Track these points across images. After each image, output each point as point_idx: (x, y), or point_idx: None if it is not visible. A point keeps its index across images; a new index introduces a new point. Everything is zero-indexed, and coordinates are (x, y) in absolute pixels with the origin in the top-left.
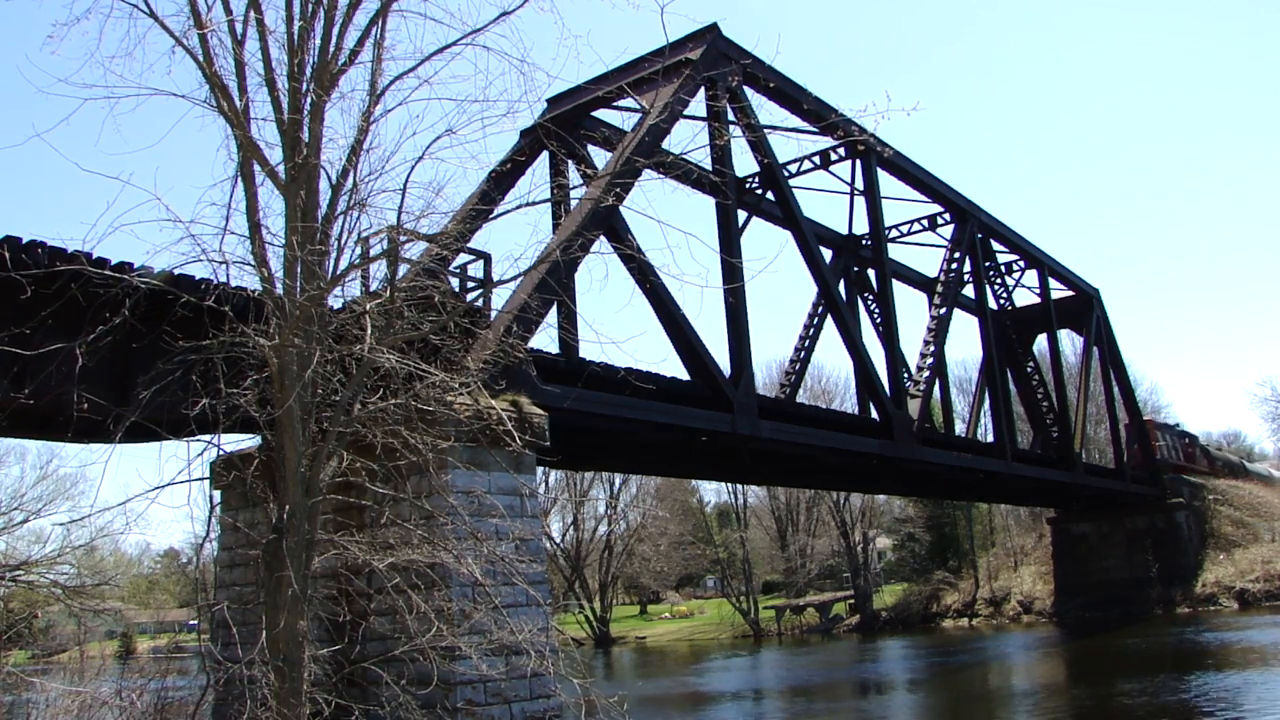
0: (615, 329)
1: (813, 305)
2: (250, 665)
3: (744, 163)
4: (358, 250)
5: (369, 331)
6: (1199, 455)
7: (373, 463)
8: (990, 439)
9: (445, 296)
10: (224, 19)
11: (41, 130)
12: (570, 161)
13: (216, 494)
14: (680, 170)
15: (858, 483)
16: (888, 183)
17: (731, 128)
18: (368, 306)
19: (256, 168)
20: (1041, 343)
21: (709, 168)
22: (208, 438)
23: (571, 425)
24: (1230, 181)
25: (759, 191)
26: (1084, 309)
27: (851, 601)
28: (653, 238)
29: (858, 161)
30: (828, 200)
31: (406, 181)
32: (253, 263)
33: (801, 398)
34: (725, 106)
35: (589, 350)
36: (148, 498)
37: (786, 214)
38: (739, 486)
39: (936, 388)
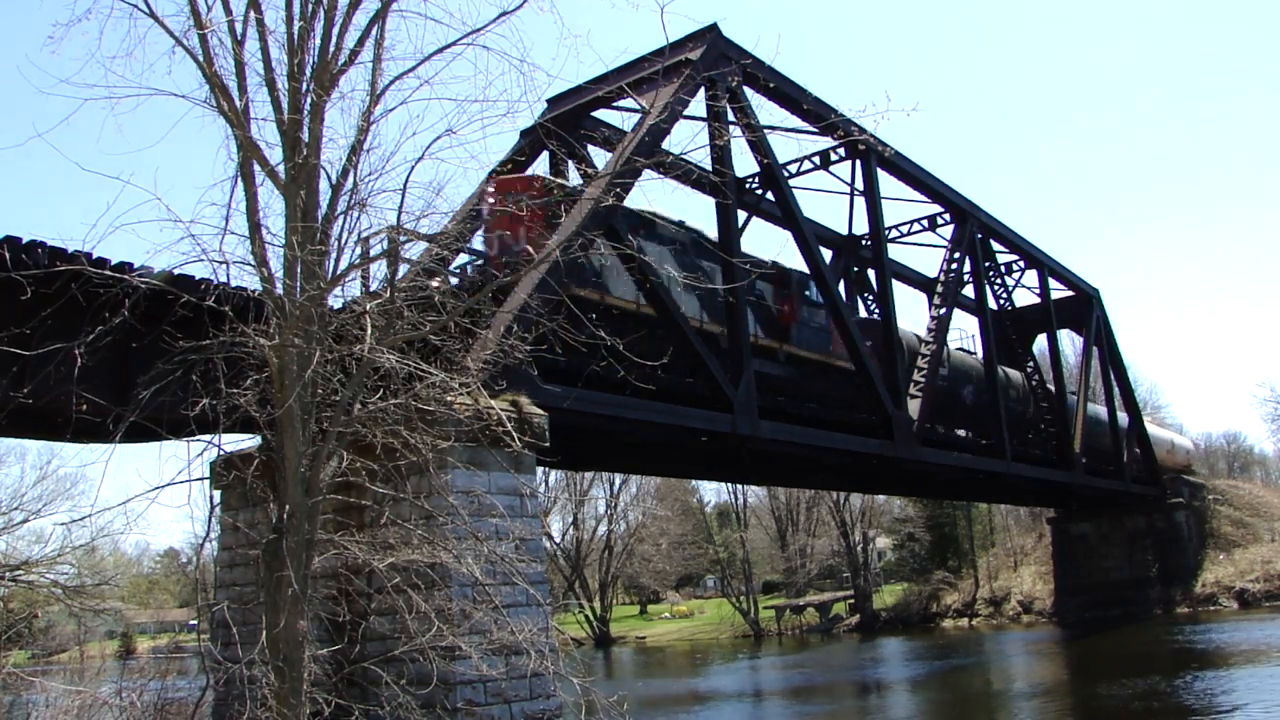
0: None
1: None
2: (250, 665)
3: (744, 163)
4: (358, 250)
5: (369, 331)
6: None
7: (373, 463)
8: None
9: (445, 296)
10: (224, 19)
11: (42, 130)
12: (570, 161)
13: (216, 494)
14: (680, 170)
15: (858, 483)
16: (888, 183)
17: (731, 128)
18: (368, 306)
19: (256, 168)
20: (1041, 343)
21: (709, 168)
22: (208, 438)
23: (571, 425)
24: (1230, 181)
25: (759, 191)
26: (1084, 309)
27: (851, 601)
28: None
29: (858, 161)
30: (828, 200)
31: (406, 181)
32: (253, 263)
33: None
34: (725, 106)
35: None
36: (148, 498)
37: (786, 214)
38: (739, 486)
39: None
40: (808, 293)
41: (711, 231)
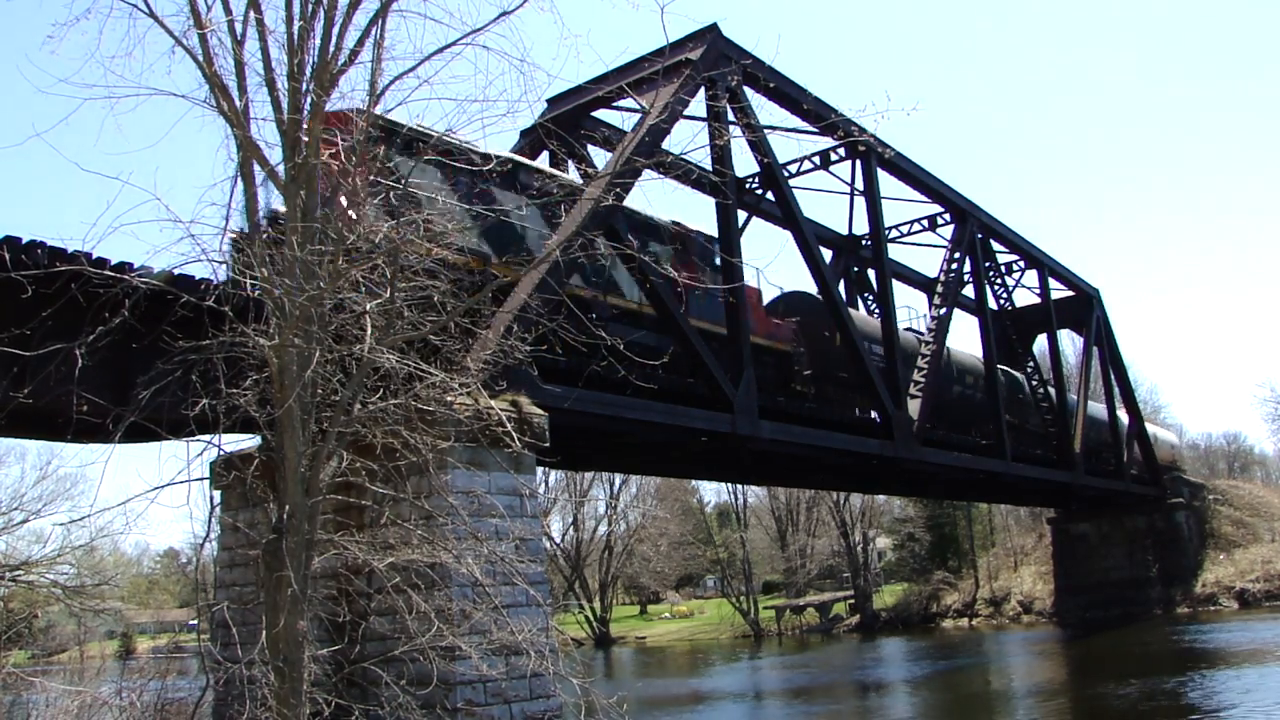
0: None
1: None
2: (250, 665)
3: (744, 163)
4: None
5: (369, 331)
6: None
7: (373, 463)
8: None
9: (445, 296)
10: (224, 19)
11: (41, 130)
12: (570, 161)
13: (216, 494)
14: (680, 170)
15: (858, 483)
16: (888, 183)
17: (731, 128)
18: (368, 306)
19: (256, 168)
20: (1041, 343)
21: (709, 168)
22: (208, 438)
23: (571, 425)
24: (1231, 180)
25: (759, 191)
26: (1084, 309)
27: (851, 601)
28: None
29: (858, 161)
30: (828, 200)
31: (406, 180)
32: (253, 263)
33: None
34: (725, 106)
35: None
36: (148, 498)
37: (786, 214)
38: (739, 486)
39: None
40: (714, 258)
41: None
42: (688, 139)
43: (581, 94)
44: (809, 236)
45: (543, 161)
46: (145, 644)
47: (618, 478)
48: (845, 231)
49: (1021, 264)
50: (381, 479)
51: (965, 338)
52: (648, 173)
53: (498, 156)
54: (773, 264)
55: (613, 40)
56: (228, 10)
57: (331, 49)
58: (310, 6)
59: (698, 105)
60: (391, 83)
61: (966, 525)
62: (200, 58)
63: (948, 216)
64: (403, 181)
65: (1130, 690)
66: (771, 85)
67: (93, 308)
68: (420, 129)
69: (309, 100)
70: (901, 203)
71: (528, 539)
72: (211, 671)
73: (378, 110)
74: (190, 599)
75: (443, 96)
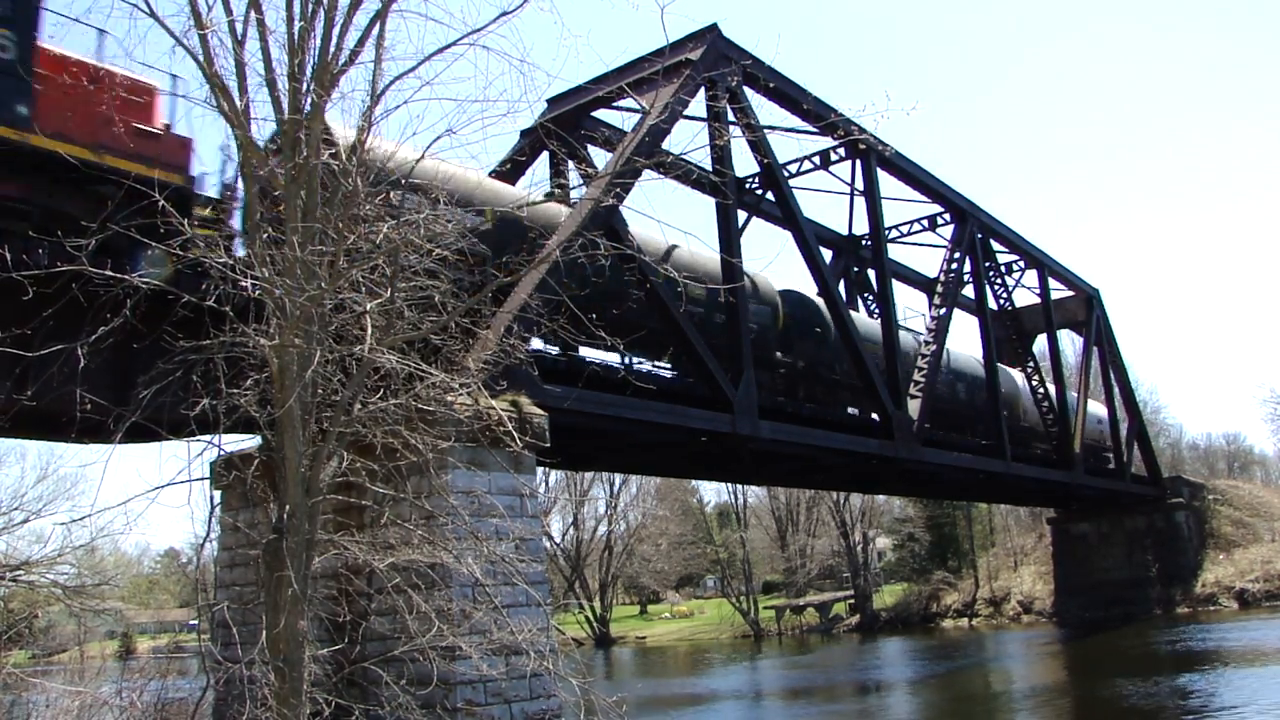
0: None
1: None
2: (250, 665)
3: (744, 163)
4: None
5: (369, 331)
6: None
7: (373, 463)
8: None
9: (445, 296)
10: (224, 19)
11: None
12: (570, 161)
13: (217, 494)
14: (680, 170)
15: (858, 483)
16: (888, 183)
17: (731, 128)
18: (368, 306)
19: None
20: (1041, 342)
21: (709, 168)
22: (208, 438)
23: (571, 425)
24: (1231, 180)
25: (759, 191)
26: (1084, 309)
27: (851, 601)
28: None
29: (858, 161)
30: (828, 200)
31: (406, 181)
32: (254, 263)
33: None
34: (725, 107)
35: (589, 350)
36: (148, 498)
37: (786, 214)
38: (739, 486)
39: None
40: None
41: None
42: (688, 139)
43: (581, 94)
44: (809, 236)
45: (543, 162)
46: (145, 644)
47: (618, 478)
48: (845, 231)
49: (1021, 264)
50: (382, 479)
51: (966, 338)
52: (648, 173)
53: None
54: (772, 264)
55: (613, 40)
56: (228, 10)
57: (332, 49)
58: (311, 6)
59: (698, 105)
60: (392, 83)
61: (966, 525)
62: (201, 58)
63: (948, 216)
64: None
65: (1130, 690)
66: (771, 85)
67: (94, 307)
68: None
69: (309, 100)
70: (901, 203)
71: (528, 539)
72: (211, 671)
73: (378, 110)
74: (190, 599)
75: (443, 97)
